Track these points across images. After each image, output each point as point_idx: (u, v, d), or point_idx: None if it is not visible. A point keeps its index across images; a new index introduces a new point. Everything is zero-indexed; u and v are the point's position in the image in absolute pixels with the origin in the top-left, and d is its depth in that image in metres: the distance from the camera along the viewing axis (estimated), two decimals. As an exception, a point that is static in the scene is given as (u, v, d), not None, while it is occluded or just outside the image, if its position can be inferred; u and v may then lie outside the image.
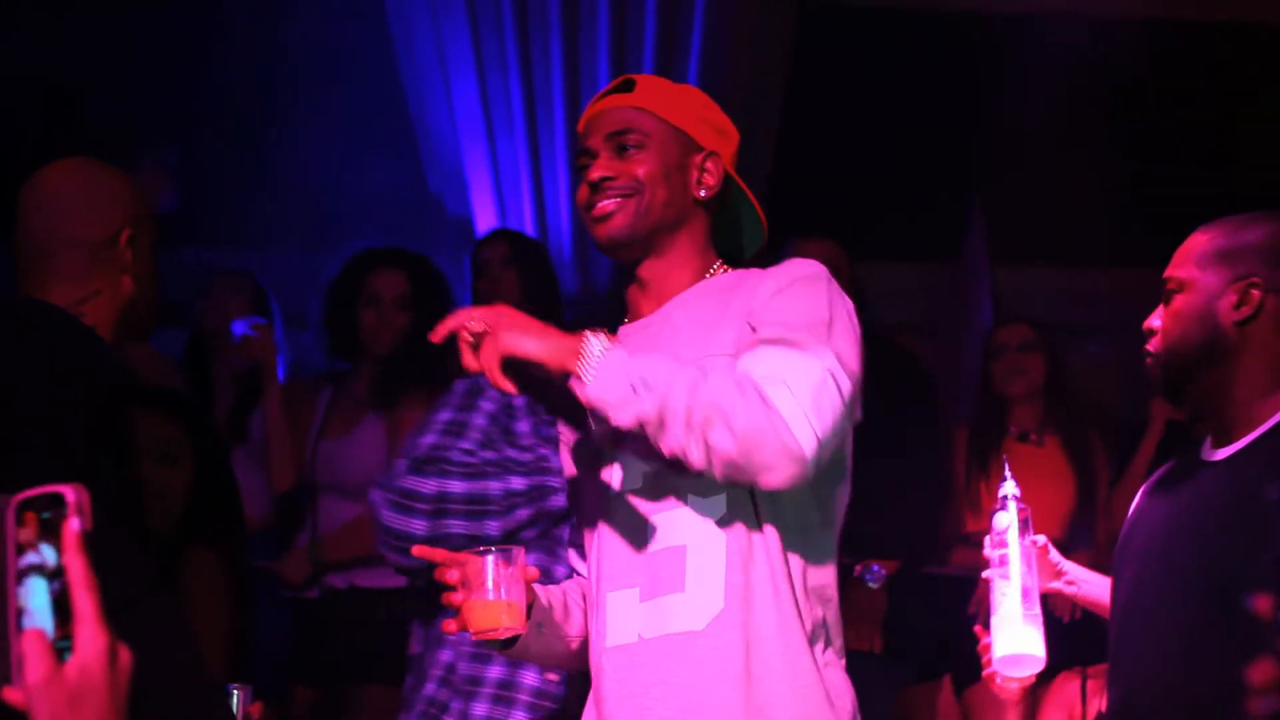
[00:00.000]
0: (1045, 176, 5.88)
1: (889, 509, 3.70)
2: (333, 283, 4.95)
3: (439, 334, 2.37)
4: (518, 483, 3.13)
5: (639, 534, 2.45)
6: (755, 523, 2.41)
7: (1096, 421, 5.05)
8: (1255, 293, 2.55)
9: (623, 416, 2.32)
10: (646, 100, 2.60)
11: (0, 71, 5.52)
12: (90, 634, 1.32)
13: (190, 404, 3.14)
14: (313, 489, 4.83)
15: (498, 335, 2.33)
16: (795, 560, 2.43)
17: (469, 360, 2.35)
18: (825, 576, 2.48)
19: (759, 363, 2.34)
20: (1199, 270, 2.59)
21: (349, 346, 4.91)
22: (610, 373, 2.32)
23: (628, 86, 2.63)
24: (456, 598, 2.39)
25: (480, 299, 4.97)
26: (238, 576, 2.89)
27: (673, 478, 2.42)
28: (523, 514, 3.16)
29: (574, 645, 2.58)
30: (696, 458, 2.30)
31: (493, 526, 3.26)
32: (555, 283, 5.10)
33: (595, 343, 2.34)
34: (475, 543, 2.97)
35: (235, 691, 2.86)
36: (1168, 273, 2.63)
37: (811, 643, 2.42)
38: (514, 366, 2.34)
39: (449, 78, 5.95)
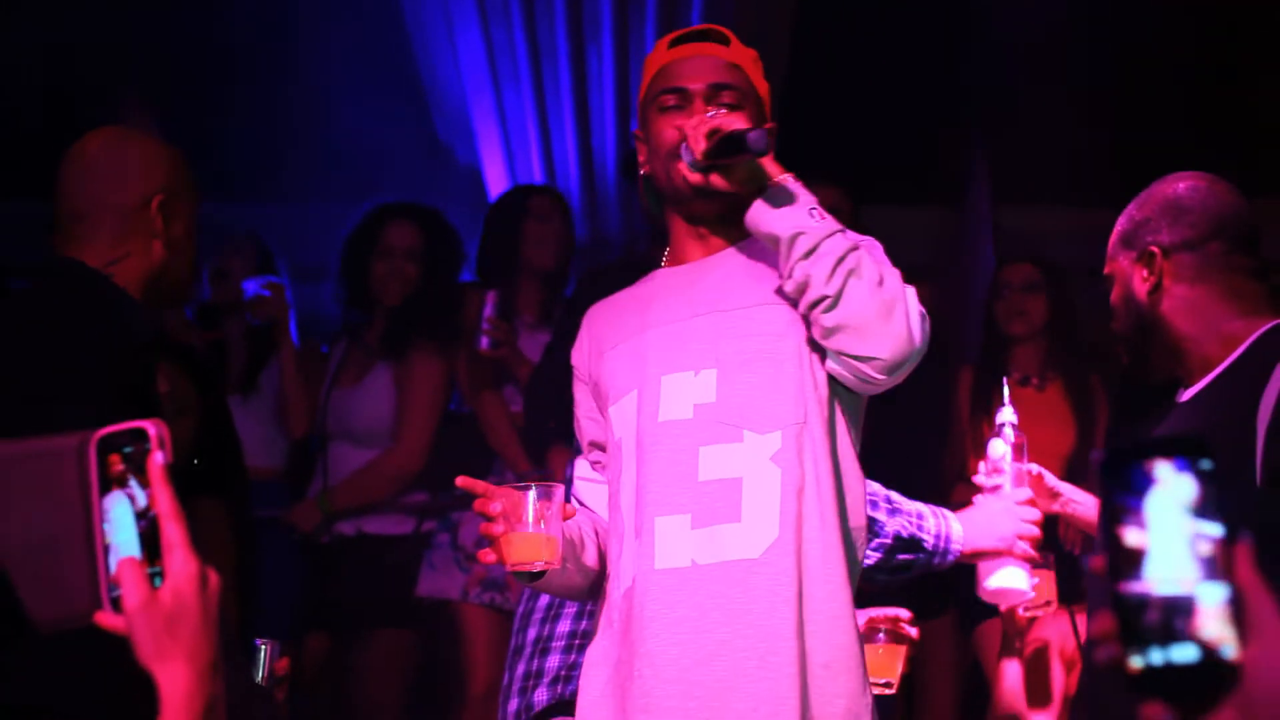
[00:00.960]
0: (1050, 117, 5.90)
1: (890, 449, 3.75)
2: (349, 236, 5.03)
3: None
4: None
5: (689, 463, 2.51)
6: (808, 459, 2.50)
7: (1102, 361, 5.07)
8: (1155, 260, 2.69)
9: (785, 224, 2.46)
10: (741, 59, 2.68)
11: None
12: (181, 560, 1.39)
13: (200, 358, 3.21)
14: (324, 437, 4.93)
15: (722, 117, 2.51)
16: (841, 499, 2.53)
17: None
18: (861, 518, 2.58)
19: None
20: (1114, 261, 2.77)
21: (363, 297, 4.98)
22: (796, 190, 2.50)
23: (722, 39, 2.69)
24: (496, 529, 2.43)
25: (528, 243, 5.04)
26: (242, 528, 2.95)
27: (728, 410, 2.52)
28: None
29: (590, 578, 2.64)
30: (828, 288, 2.43)
31: None
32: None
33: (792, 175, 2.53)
34: None
35: (264, 646, 2.93)
36: (1103, 272, 2.80)
37: (849, 578, 2.51)
38: (719, 137, 2.50)
39: (454, 31, 5.97)
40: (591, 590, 2.66)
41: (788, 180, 2.51)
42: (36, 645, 2.28)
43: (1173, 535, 1.08)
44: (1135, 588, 1.08)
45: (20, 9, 5.63)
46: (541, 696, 3.17)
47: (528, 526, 2.42)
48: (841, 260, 2.43)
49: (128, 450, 1.39)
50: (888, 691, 3.04)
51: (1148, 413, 2.84)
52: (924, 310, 2.50)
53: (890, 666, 3.09)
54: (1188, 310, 2.67)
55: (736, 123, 2.49)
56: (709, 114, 2.54)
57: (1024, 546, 2.97)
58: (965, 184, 6.00)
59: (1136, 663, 1.08)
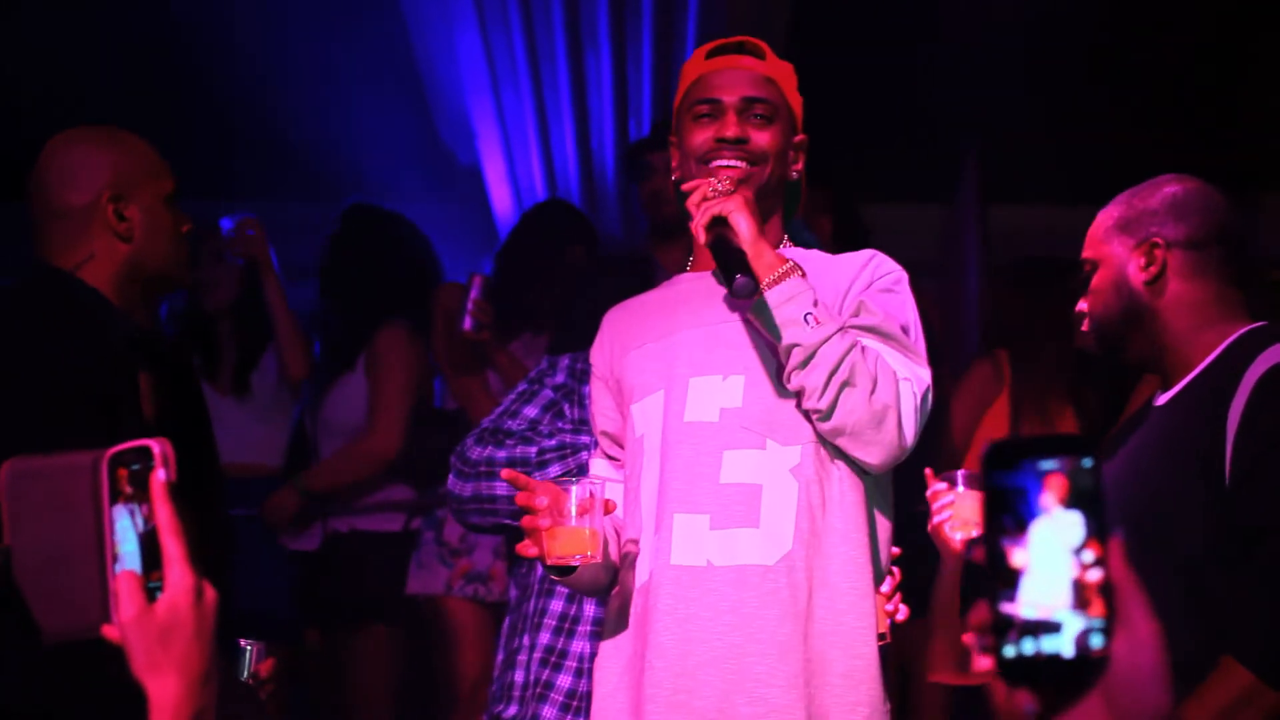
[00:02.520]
0: (1040, 117, 5.94)
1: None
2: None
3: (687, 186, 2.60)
4: (549, 441, 3.25)
5: (712, 465, 2.56)
6: (828, 475, 2.56)
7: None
8: (1158, 251, 2.71)
9: (782, 332, 2.49)
10: (776, 73, 2.72)
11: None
12: (178, 574, 1.43)
13: (173, 360, 3.21)
14: (315, 436, 5.01)
15: (725, 201, 2.52)
16: (870, 508, 2.60)
17: (691, 203, 2.56)
18: (888, 533, 2.66)
19: (889, 357, 2.53)
20: (1106, 246, 2.77)
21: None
22: (793, 293, 2.51)
23: (758, 52, 2.73)
24: (542, 522, 2.46)
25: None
26: (219, 528, 2.96)
27: (753, 417, 2.57)
28: (553, 470, 3.26)
29: (611, 574, 2.68)
30: (821, 403, 2.48)
31: None
32: None
33: (794, 266, 2.53)
34: (511, 503, 3.04)
35: (249, 647, 2.95)
36: (1082, 256, 2.80)
37: (874, 591, 2.58)
38: (720, 236, 2.52)
39: (453, 34, 6.00)
40: (610, 585, 2.69)
41: (785, 284, 2.51)
42: (33, 653, 2.29)
43: (1051, 564, 1.12)
44: (1008, 606, 1.12)
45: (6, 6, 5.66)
46: (549, 714, 3.20)
47: (571, 520, 2.45)
48: (835, 371, 2.47)
49: (135, 467, 1.44)
50: (882, 643, 3.02)
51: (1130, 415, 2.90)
52: (920, 399, 2.54)
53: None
54: (1181, 307, 2.70)
55: (739, 218, 2.50)
56: (711, 188, 2.55)
57: None
58: (956, 182, 6.04)
59: (1009, 652, 1.12)
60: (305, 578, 4.93)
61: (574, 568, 2.51)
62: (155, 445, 1.44)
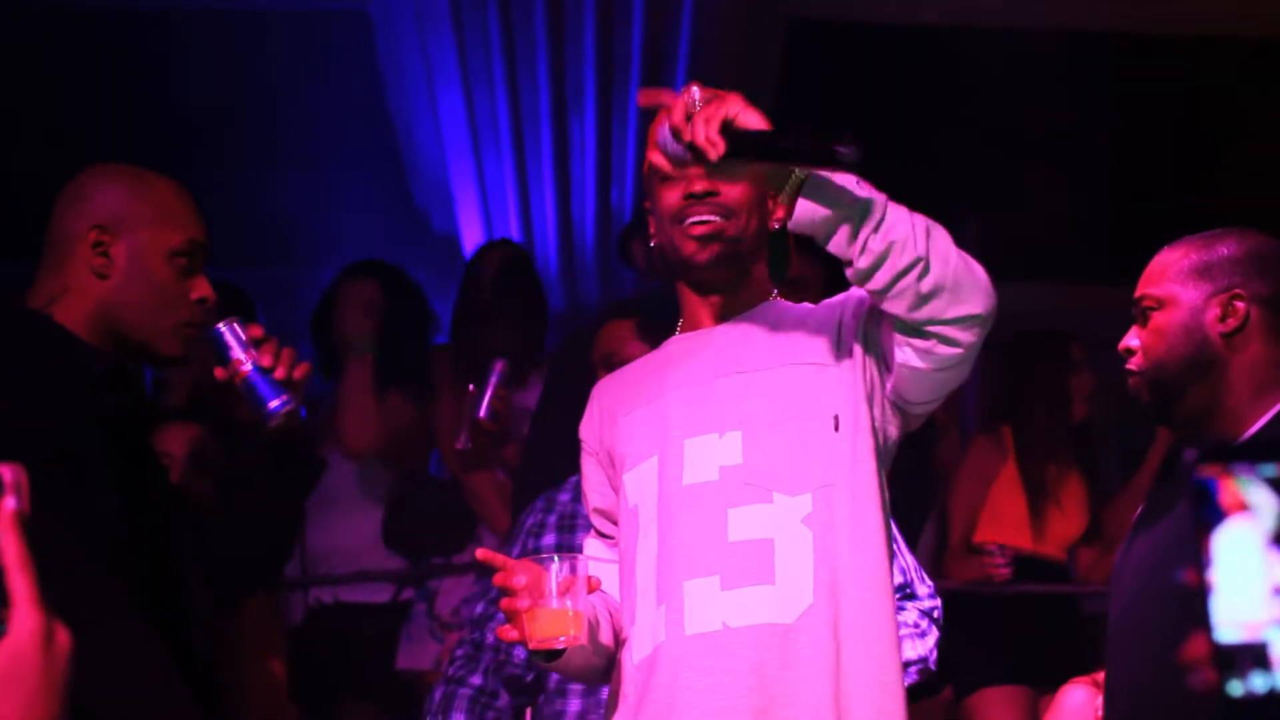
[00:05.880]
0: (1033, 194, 5.90)
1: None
2: (318, 304, 5.00)
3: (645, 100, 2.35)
4: None
5: (718, 525, 2.42)
6: (841, 522, 2.41)
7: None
8: (1240, 304, 2.56)
9: (845, 198, 2.26)
10: None
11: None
12: (22, 615, 1.26)
13: (221, 417, 3.04)
14: None
15: (726, 102, 2.25)
16: (882, 559, 2.44)
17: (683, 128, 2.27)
18: (893, 578, 2.50)
19: None
20: (1178, 286, 2.59)
21: (333, 358, 4.92)
22: (832, 171, 2.28)
23: None
24: (521, 604, 2.32)
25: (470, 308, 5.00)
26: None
27: (755, 472, 2.42)
28: None
29: (606, 658, 2.54)
30: (919, 252, 2.25)
31: None
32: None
33: None
34: None
35: None
36: (1141, 290, 2.63)
37: (893, 639, 2.43)
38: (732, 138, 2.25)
39: (435, 95, 5.95)
40: (607, 671, 2.56)
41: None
42: None
43: (1243, 574, 1.03)
44: (1216, 635, 1.04)
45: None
46: None
47: (552, 601, 2.31)
48: (914, 224, 2.27)
49: None
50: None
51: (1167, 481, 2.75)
52: None
53: None
54: (1252, 367, 2.57)
55: (748, 116, 2.25)
56: (696, 100, 2.30)
57: None
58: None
59: (1235, 690, 1.02)
60: (289, 650, 4.77)
61: (560, 651, 2.37)
62: (7, 472, 1.28)
